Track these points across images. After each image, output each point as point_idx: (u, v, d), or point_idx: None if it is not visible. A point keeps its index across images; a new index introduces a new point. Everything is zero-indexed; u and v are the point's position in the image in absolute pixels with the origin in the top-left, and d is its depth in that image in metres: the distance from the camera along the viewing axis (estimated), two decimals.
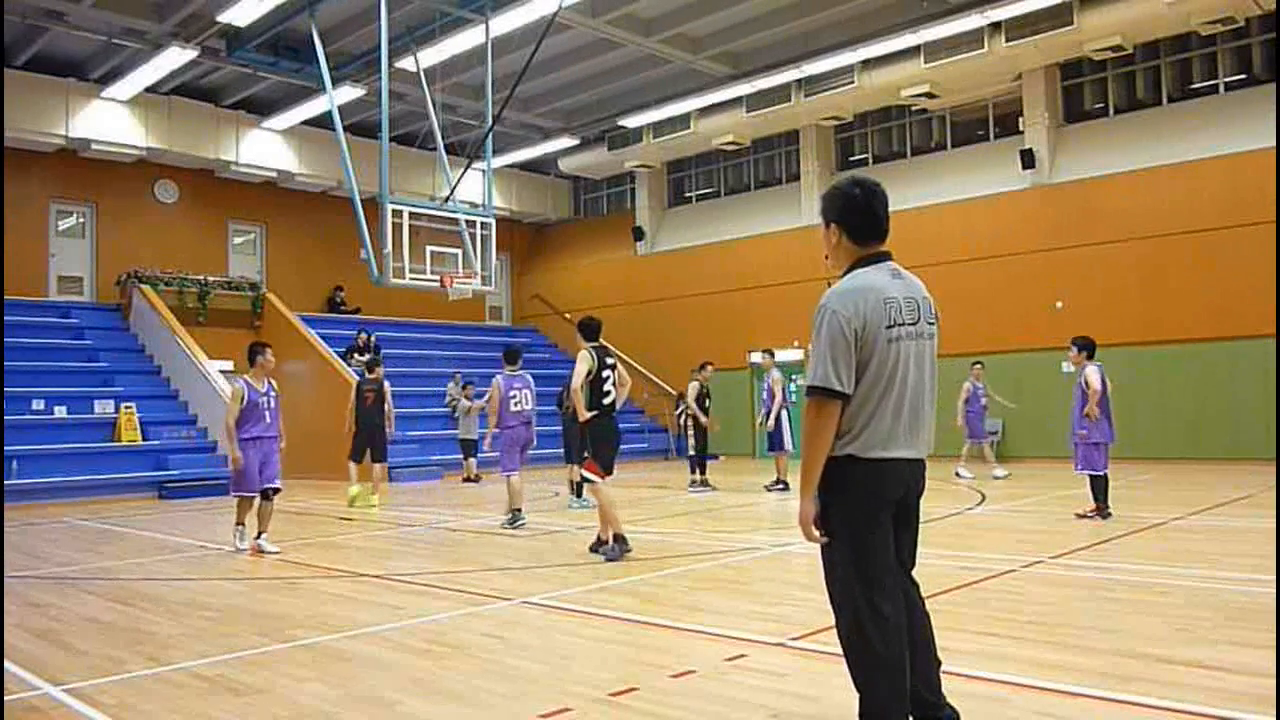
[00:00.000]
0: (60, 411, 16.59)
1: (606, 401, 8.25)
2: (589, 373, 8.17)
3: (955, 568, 7.07)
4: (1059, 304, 18.02)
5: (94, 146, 19.90)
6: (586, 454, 8.27)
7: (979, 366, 15.54)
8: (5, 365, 16.98)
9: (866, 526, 3.18)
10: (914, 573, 3.42)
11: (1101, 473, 9.83)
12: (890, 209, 3.36)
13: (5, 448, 15.14)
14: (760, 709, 3.95)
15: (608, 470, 8.21)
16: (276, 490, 9.23)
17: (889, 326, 3.15)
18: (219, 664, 4.89)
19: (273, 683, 4.52)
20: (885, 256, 3.31)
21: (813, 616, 5.54)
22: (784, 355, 21.65)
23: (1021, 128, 19.42)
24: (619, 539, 8.10)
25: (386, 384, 13.71)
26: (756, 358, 17.14)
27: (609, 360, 8.35)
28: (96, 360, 18.62)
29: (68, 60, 19.11)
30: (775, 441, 14.34)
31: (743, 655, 4.78)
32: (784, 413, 14.21)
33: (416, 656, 4.95)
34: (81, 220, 21.10)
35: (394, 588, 7.08)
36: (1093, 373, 9.89)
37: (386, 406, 13.54)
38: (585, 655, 4.91)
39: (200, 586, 7.44)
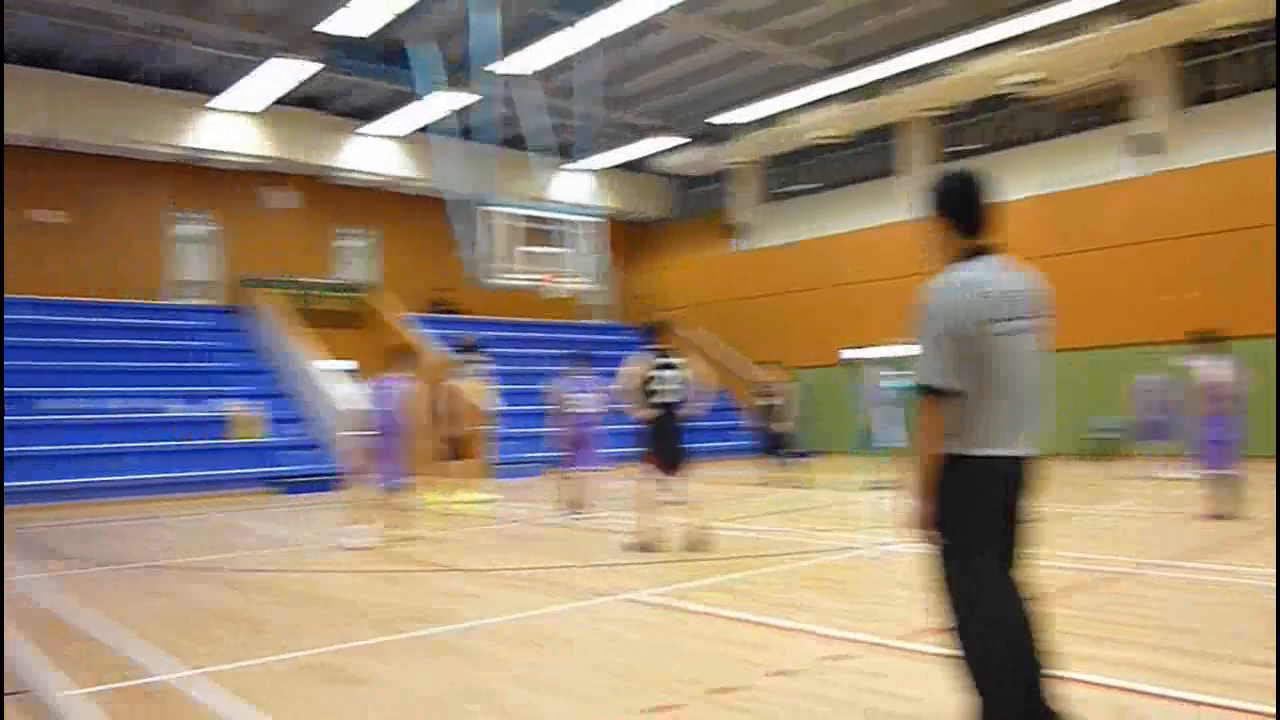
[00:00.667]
0: (181, 409, 17.36)
1: (656, 401, 8.50)
2: (641, 374, 8.54)
3: (1070, 569, 6.86)
4: (1178, 295, 17.28)
5: (212, 156, 20.77)
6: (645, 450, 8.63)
7: None
8: (136, 367, 17.92)
9: (975, 525, 3.12)
10: (1025, 573, 3.33)
11: (1226, 472, 9.41)
12: (996, 200, 3.28)
13: (134, 445, 15.96)
14: (861, 709, 3.92)
15: (664, 468, 8.57)
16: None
17: (996, 321, 3.07)
18: (334, 653, 5.07)
19: (384, 673, 4.67)
20: (992, 249, 3.23)
21: (915, 616, 5.45)
22: (886, 353, 21.35)
23: (1136, 113, 18.68)
24: (704, 530, 8.48)
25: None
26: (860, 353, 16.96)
27: (661, 361, 8.57)
28: (215, 360, 19.43)
29: (185, 74, 19.98)
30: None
31: (844, 655, 4.74)
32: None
33: (521, 650, 5.05)
34: (200, 227, 22.03)
35: (499, 582, 7.22)
36: (1211, 367, 9.48)
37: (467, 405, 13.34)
38: (686, 652, 4.93)
39: (314, 578, 7.71)
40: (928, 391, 3.07)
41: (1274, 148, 15.69)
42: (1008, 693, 3.07)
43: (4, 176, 18.17)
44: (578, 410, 11.05)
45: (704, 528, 8.55)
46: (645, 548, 8.38)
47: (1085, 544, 8.27)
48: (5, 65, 18.11)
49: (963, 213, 3.24)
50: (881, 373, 15.49)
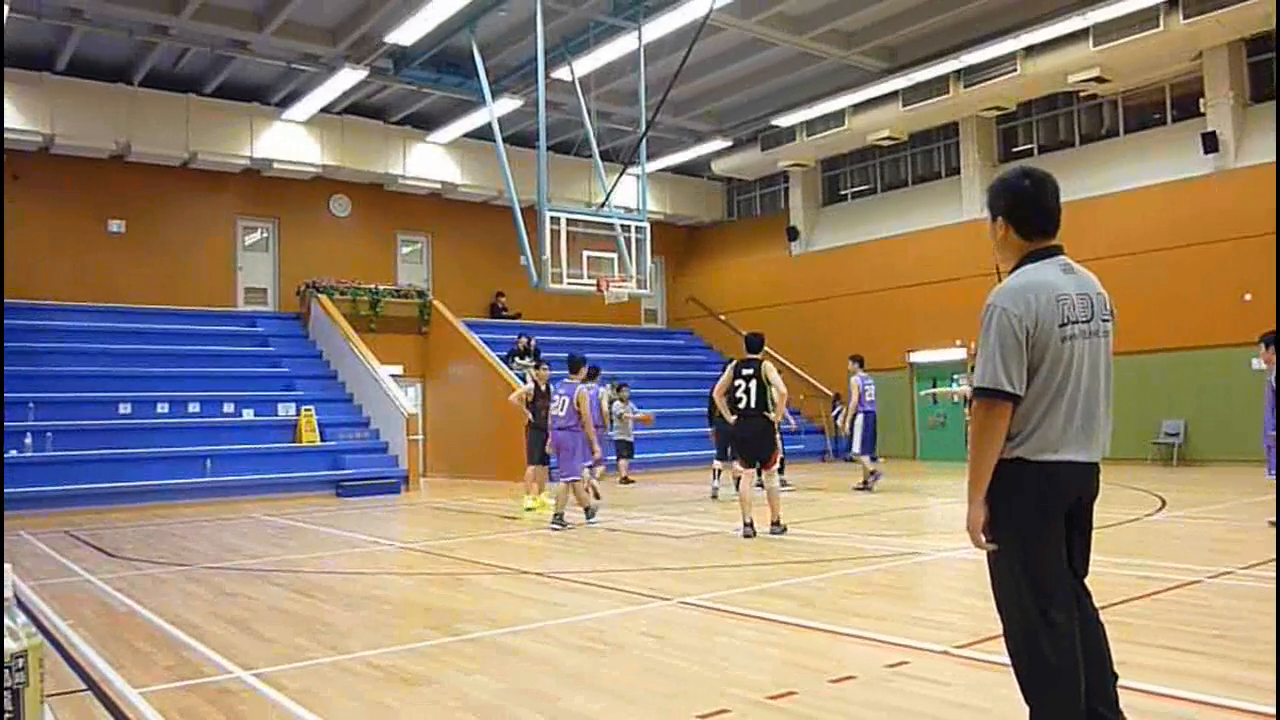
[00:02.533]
0: (248, 414, 17.75)
1: (739, 406, 9.73)
2: (728, 381, 9.89)
3: (1134, 577, 6.69)
4: (1247, 296, 16.77)
5: (275, 165, 21.20)
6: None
7: None
8: (203, 372, 18.36)
9: (1036, 532, 3.04)
10: (1088, 581, 3.24)
11: None
12: (1060, 200, 3.21)
13: (202, 448, 16.34)
14: (923, 718, 3.85)
15: (746, 464, 9.84)
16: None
17: (1062, 325, 3.01)
18: (392, 654, 5.12)
19: (442, 674, 4.71)
20: (1056, 251, 3.15)
21: (978, 624, 5.36)
22: (947, 355, 21.07)
23: (1203, 109, 18.18)
24: (748, 524, 9.58)
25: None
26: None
27: (745, 371, 9.75)
28: (279, 366, 19.82)
29: (251, 86, 20.45)
30: (848, 445, 15.12)
31: (905, 662, 4.67)
32: (860, 416, 14.70)
33: (577, 653, 5.06)
34: (265, 235, 22.51)
35: (555, 585, 7.25)
36: None
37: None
38: (743, 657, 4.90)
39: (374, 580, 7.81)
40: (985, 394, 3.00)
41: None
42: (1065, 704, 3.00)
43: (3, 177, 18.15)
44: (556, 416, 11.18)
45: (778, 521, 9.66)
46: (747, 535, 9.48)
47: (1151, 550, 8.07)
48: (78, 81, 18.73)
49: (1025, 214, 3.15)
50: (954, 376, 15.34)
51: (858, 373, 15.01)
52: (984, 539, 3.08)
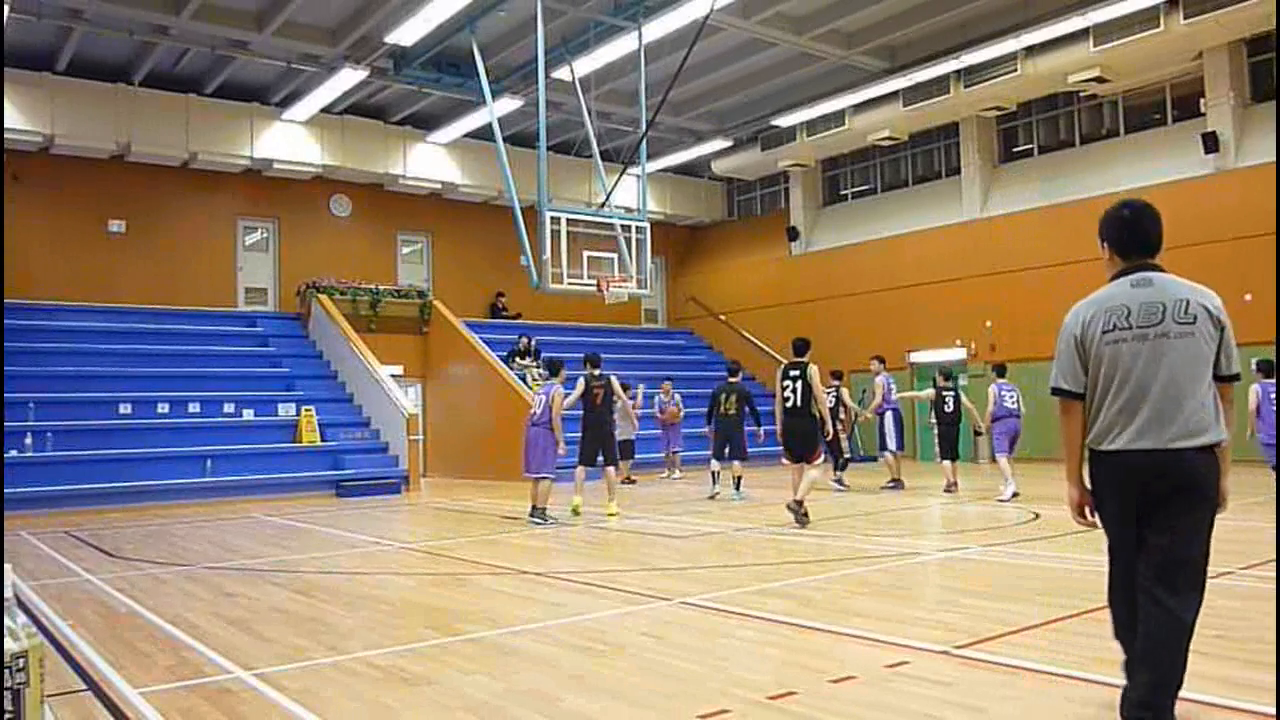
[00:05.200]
0: (248, 414, 17.75)
1: (786, 405, 10.56)
2: (777, 382, 10.75)
3: None
4: (1247, 297, 16.77)
5: (275, 166, 21.20)
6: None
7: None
8: (203, 372, 18.36)
9: (1108, 513, 3.55)
10: (1158, 568, 3.43)
11: None
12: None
13: (202, 448, 16.35)
14: (923, 718, 3.86)
15: (791, 458, 10.60)
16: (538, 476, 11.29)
17: (1106, 331, 3.51)
18: (392, 654, 5.12)
19: (441, 674, 4.71)
20: (1141, 268, 3.60)
21: (978, 624, 5.36)
22: (947, 355, 21.06)
23: (1203, 109, 18.20)
24: (796, 504, 10.21)
25: (614, 379, 12.29)
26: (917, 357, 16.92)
27: (792, 372, 10.59)
28: (279, 366, 19.81)
29: (251, 86, 20.45)
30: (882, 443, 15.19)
31: (905, 662, 4.67)
32: (890, 413, 15.06)
33: (577, 653, 5.06)
34: (265, 235, 22.51)
35: (555, 585, 7.25)
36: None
37: (621, 403, 12.80)
38: (743, 657, 4.90)
39: (374, 580, 7.82)
40: (1053, 392, 3.62)
41: None
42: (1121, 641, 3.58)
43: (4, 177, 18.13)
44: (533, 414, 11.51)
45: (803, 510, 10.19)
46: (801, 522, 10.11)
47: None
48: (78, 82, 18.74)
49: (1119, 238, 3.67)
50: (956, 375, 15.37)
51: (881, 372, 15.33)
52: (1081, 517, 3.64)
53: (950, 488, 13.54)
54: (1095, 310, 3.56)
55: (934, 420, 13.95)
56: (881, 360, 15.62)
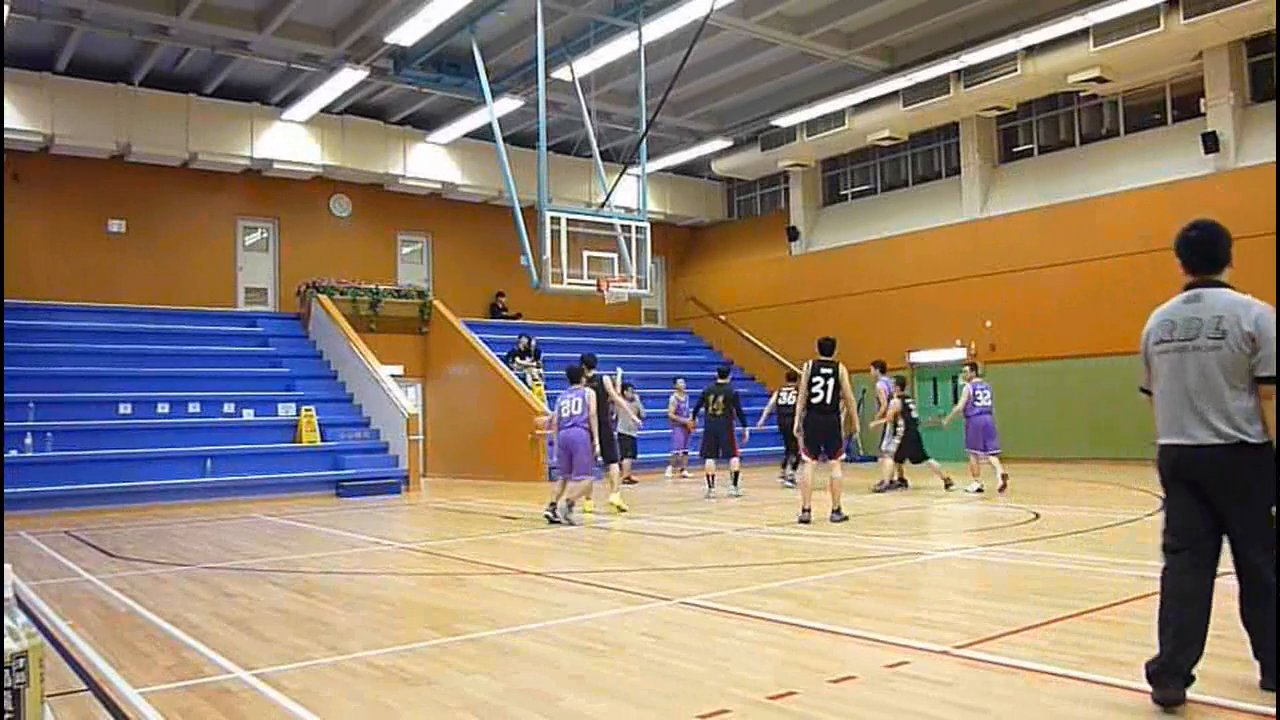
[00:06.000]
0: (248, 414, 17.75)
1: (815, 402, 10.61)
2: (805, 380, 10.78)
3: (1134, 577, 6.69)
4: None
5: (275, 166, 21.20)
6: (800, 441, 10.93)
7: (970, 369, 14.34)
8: (203, 372, 18.36)
9: (1166, 493, 4.06)
10: (1248, 559, 3.81)
11: None
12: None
13: (202, 448, 16.35)
14: (923, 718, 3.86)
15: (813, 455, 10.66)
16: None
17: (1157, 343, 4.07)
18: (392, 654, 5.12)
19: (441, 674, 4.71)
20: (1197, 285, 4.05)
21: (978, 624, 5.36)
22: (947, 355, 21.07)
23: (1203, 109, 18.19)
24: (806, 510, 10.46)
25: (607, 379, 12.91)
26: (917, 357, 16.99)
27: (824, 370, 10.68)
28: (279, 366, 19.81)
29: (251, 86, 20.45)
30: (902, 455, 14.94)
31: (905, 662, 4.67)
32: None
33: (577, 653, 5.06)
34: (265, 235, 22.51)
35: (555, 585, 7.24)
36: None
37: (615, 402, 13.09)
38: (743, 657, 4.90)
39: (374, 580, 7.82)
40: (1141, 390, 4.24)
41: None
42: (1161, 638, 3.86)
43: (4, 177, 18.17)
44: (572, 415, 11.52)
45: (839, 510, 10.56)
46: (804, 520, 10.35)
47: (1151, 550, 8.06)
48: (78, 82, 18.75)
49: (1184, 256, 4.12)
50: (952, 375, 15.53)
51: (881, 378, 15.36)
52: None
53: (948, 483, 13.92)
54: (1156, 322, 4.12)
55: (902, 426, 14.56)
56: (881, 366, 15.66)
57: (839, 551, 8.53)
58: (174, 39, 17.52)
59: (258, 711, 4.22)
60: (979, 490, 13.09)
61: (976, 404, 13.53)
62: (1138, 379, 4.26)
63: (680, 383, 18.66)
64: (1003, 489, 12.94)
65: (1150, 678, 3.83)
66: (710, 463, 14.37)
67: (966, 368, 14.44)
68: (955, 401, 14.17)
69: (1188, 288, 4.08)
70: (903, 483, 14.65)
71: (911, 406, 14.94)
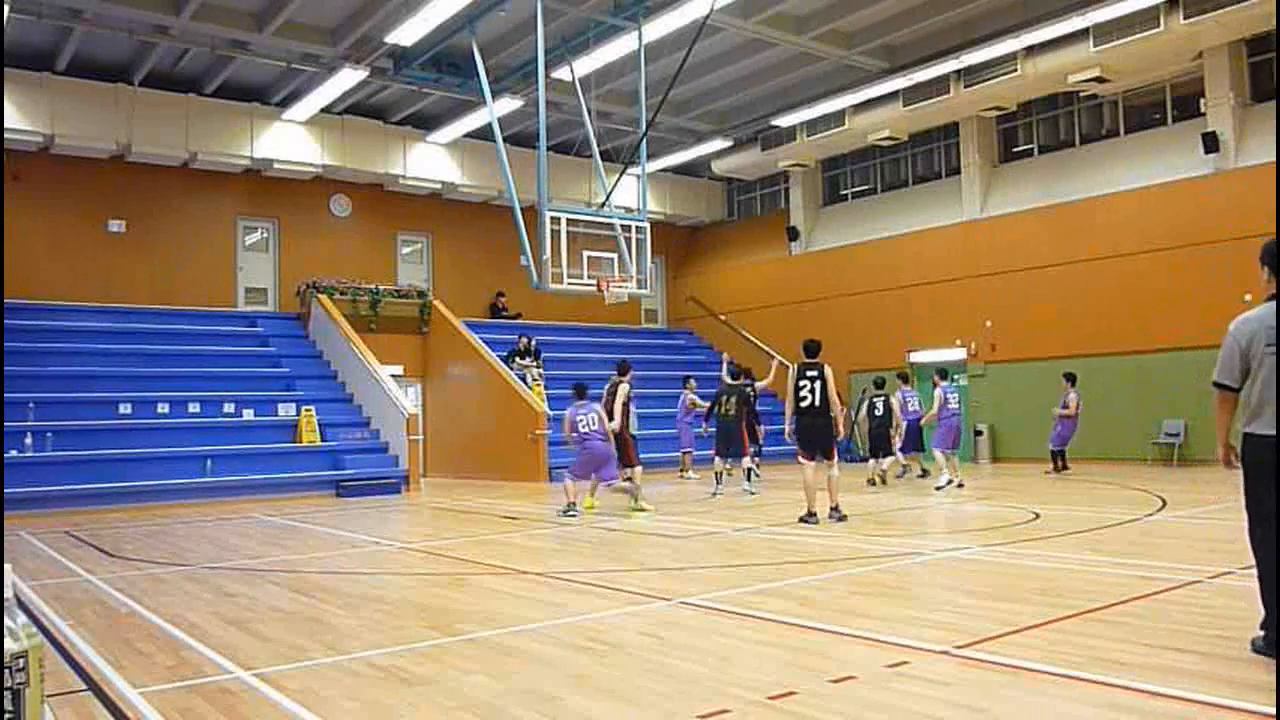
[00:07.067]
0: (248, 414, 17.75)
1: (804, 405, 10.64)
2: (793, 383, 10.79)
3: (1134, 577, 6.70)
4: (1247, 297, 16.75)
5: (276, 166, 21.20)
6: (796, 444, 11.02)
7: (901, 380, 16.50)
8: (203, 372, 18.36)
9: (1251, 475, 4.51)
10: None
11: None
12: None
13: (202, 448, 16.35)
14: (923, 718, 3.85)
15: (809, 456, 10.69)
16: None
17: (1268, 345, 4.45)
18: (392, 655, 5.12)
19: (441, 674, 4.71)
20: None
21: (978, 624, 5.36)
22: (947, 355, 21.06)
23: (1203, 109, 18.18)
24: (811, 513, 10.52)
25: (622, 385, 12.97)
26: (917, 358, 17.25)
27: (809, 373, 10.67)
28: (279, 366, 19.81)
29: (252, 86, 20.45)
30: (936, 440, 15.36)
31: (905, 662, 4.67)
32: (906, 424, 16.11)
33: (576, 653, 5.06)
34: (265, 235, 22.51)
35: (555, 585, 7.24)
36: None
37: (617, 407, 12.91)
38: (743, 657, 4.90)
39: (375, 580, 7.81)
40: (1216, 385, 4.65)
41: None
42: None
43: (4, 177, 18.17)
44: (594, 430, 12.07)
45: (837, 508, 10.64)
46: (807, 519, 10.46)
47: (1151, 550, 8.07)
48: (78, 81, 18.75)
49: (1274, 266, 4.55)
50: (954, 375, 16.17)
51: (901, 388, 16.44)
52: (1231, 465, 4.76)
53: (922, 475, 15.66)
54: (1256, 327, 4.55)
55: (867, 423, 16.01)
56: (944, 373, 15.80)
57: (839, 551, 8.53)
58: (174, 39, 17.52)
59: (257, 711, 4.22)
60: (960, 485, 14.19)
61: (948, 406, 14.73)
62: (1220, 374, 4.60)
63: (692, 382, 18.61)
64: (946, 487, 14.11)
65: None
66: (719, 460, 14.58)
67: (936, 374, 15.48)
68: (932, 404, 15.16)
69: (1271, 297, 4.56)
70: (924, 473, 16.20)
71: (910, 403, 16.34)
